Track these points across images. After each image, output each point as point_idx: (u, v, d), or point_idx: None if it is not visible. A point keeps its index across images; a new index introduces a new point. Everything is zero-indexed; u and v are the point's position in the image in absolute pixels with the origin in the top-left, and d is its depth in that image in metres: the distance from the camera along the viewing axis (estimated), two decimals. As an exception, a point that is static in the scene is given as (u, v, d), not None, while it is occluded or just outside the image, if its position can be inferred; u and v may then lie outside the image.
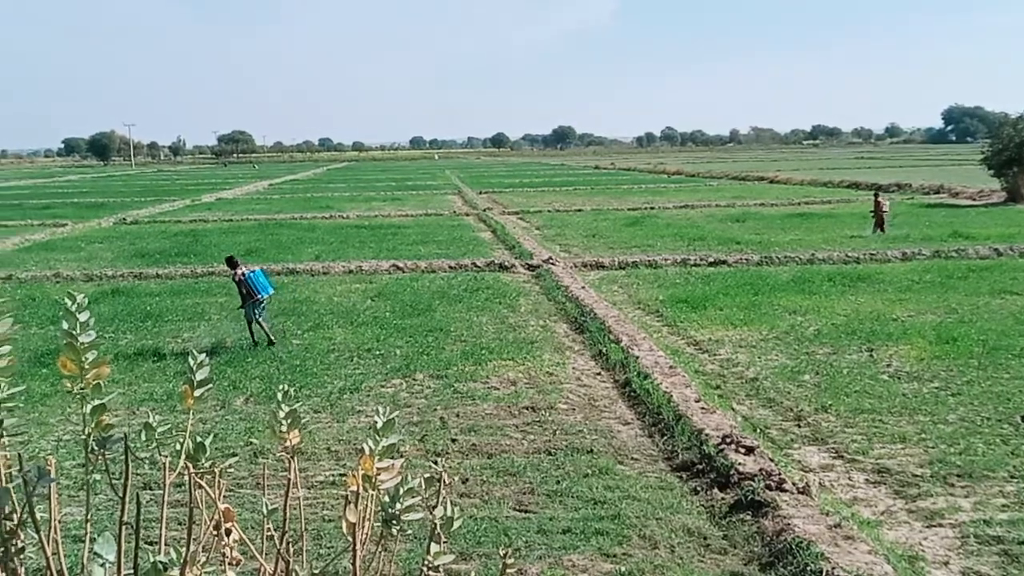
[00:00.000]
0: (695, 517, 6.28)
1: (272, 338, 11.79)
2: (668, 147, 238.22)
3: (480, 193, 44.96)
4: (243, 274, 11.70)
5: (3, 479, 2.19)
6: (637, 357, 10.22)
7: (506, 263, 18.95)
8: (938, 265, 17.51)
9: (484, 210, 32.99)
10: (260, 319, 11.86)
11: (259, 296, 11.64)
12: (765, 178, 53.03)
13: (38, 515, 2.20)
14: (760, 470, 6.65)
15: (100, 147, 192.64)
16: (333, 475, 7.15)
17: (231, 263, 12.19)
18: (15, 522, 2.08)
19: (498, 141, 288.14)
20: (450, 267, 18.71)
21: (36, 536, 2.20)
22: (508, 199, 39.81)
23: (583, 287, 15.40)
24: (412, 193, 47.07)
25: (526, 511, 6.40)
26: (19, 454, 2.19)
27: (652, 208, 32.73)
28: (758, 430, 8.15)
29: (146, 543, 2.34)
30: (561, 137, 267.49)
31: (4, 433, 2.13)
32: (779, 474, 6.65)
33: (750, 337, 11.77)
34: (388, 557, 2.69)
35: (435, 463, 7.23)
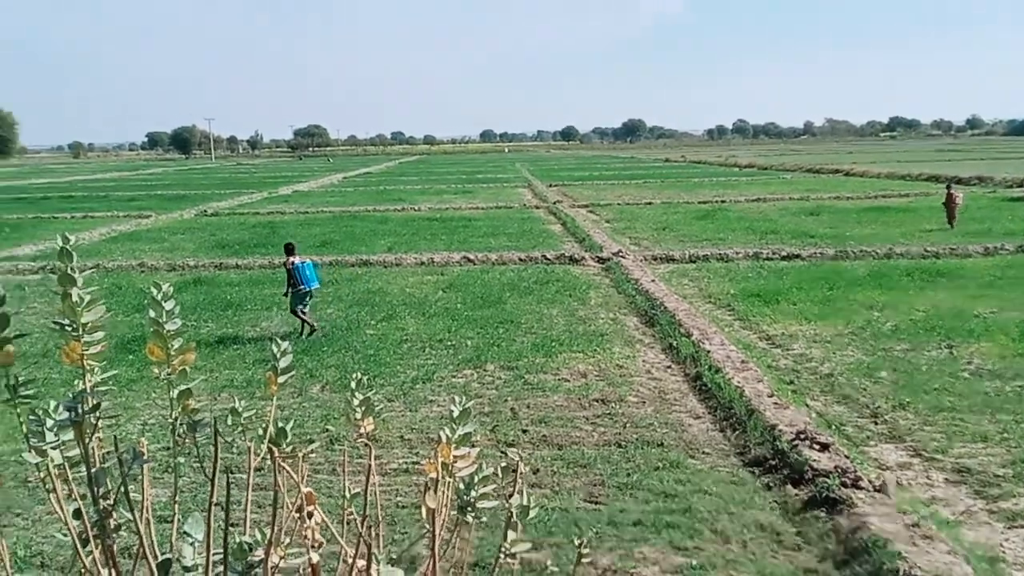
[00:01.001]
0: (768, 513, 6.22)
1: (314, 326, 12.14)
2: (740, 140, 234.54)
3: (550, 186, 44.93)
4: (293, 263, 12.02)
5: (99, 460, 2.29)
6: (708, 351, 10.13)
7: (576, 256, 18.93)
8: (1022, 260, 16.93)
9: (554, 203, 32.97)
10: (306, 309, 12.19)
11: (303, 287, 11.95)
12: (840, 171, 51.87)
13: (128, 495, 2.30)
14: (835, 467, 6.55)
15: (182, 141, 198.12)
16: (406, 463, 7.27)
17: (288, 250, 12.51)
18: (111, 501, 2.18)
19: (568, 134, 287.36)
20: (520, 259, 18.77)
21: (130, 514, 2.31)
22: (578, 192, 39.72)
23: (653, 280, 15.31)
24: (482, 186, 47.28)
25: (596, 503, 6.42)
26: (115, 436, 2.29)
27: (723, 201, 32.30)
28: (833, 427, 8.01)
29: (233, 525, 2.43)
30: (631, 130, 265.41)
31: (100, 416, 2.23)
32: (855, 471, 6.54)
33: (825, 332, 11.56)
34: (462, 544, 2.75)
35: (505, 453, 7.29)
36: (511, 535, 2.39)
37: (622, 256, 18.36)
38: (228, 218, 30.84)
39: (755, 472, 6.98)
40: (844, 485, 6.29)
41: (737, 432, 7.82)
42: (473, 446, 2.57)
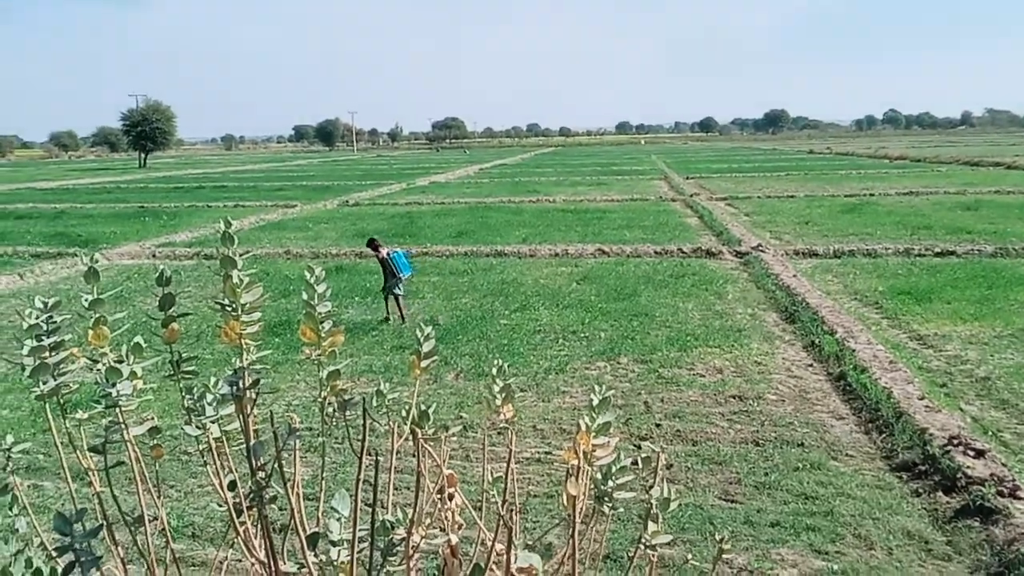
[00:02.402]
0: (916, 520, 5.92)
1: (404, 316, 12.42)
2: (891, 130, 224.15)
3: (687, 178, 44.19)
4: (388, 254, 12.33)
5: (255, 434, 2.38)
6: (853, 350, 9.73)
7: (713, 249, 18.55)
8: None
9: (691, 195, 32.41)
10: (399, 296, 12.52)
11: (401, 275, 12.24)
12: (1002, 164, 48.71)
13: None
14: (991, 475, 6.17)
15: (326, 134, 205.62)
16: (538, 453, 7.30)
17: (373, 245, 12.82)
18: (267, 473, 2.26)
19: (706, 126, 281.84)
20: (655, 252, 18.55)
21: (282, 488, 2.39)
22: (716, 184, 38.89)
23: (795, 275, 14.82)
24: (617, 178, 46.94)
25: (732, 501, 6.27)
26: (270, 412, 2.38)
27: (871, 195, 30.94)
28: (989, 433, 7.55)
29: (368, 505, 2.49)
30: (773, 121, 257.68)
31: (259, 392, 2.32)
32: (1013, 480, 6.14)
33: (982, 333, 10.91)
34: (596, 535, 2.72)
35: (639, 447, 7.22)
36: (652, 526, 2.35)
37: (762, 250, 17.87)
38: (368, 208, 31.72)
39: (902, 477, 6.66)
40: (1001, 494, 5.92)
41: (884, 435, 7.48)
42: (614, 435, 2.54)
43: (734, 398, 8.63)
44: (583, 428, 2.44)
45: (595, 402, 2.50)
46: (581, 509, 2.43)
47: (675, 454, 7.20)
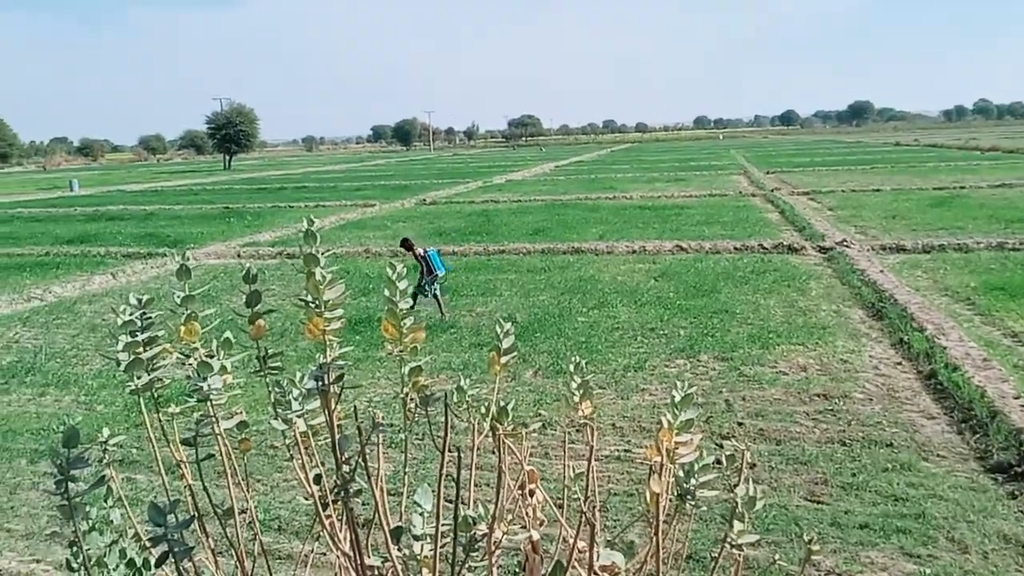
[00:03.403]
0: (1013, 523, 5.69)
1: (444, 313, 12.61)
2: (982, 121, 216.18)
3: (767, 173, 43.35)
4: (424, 252, 12.48)
5: (339, 429, 2.41)
6: (944, 347, 9.42)
7: (795, 245, 18.16)
8: None
9: (771, 190, 31.80)
10: (437, 293, 12.73)
11: (437, 272, 12.38)
12: (1103, 153, 46.61)
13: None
14: (1095, 479, 5.90)
15: (403, 133, 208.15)
16: (618, 450, 7.25)
17: (407, 245, 12.96)
18: (352, 467, 2.29)
19: (787, 119, 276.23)
20: (735, 248, 18.25)
21: (366, 482, 2.42)
22: (797, 179, 38.06)
23: (881, 271, 14.41)
24: (695, 173, 46.35)
25: (818, 502, 6.13)
26: (355, 407, 2.41)
27: (962, 187, 29.88)
28: (1092, 434, 7.22)
29: (448, 501, 2.50)
30: (857, 113, 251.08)
31: (342, 388, 2.34)
32: (1119, 485, 5.86)
33: (1082, 330, 10.43)
34: (678, 534, 2.68)
35: (720, 446, 7.11)
36: (737, 525, 2.30)
37: (846, 245, 17.43)
38: (445, 207, 31.97)
39: (998, 479, 6.41)
40: (1106, 499, 5.66)
41: (977, 435, 7.21)
42: (697, 432, 2.49)
43: (819, 397, 8.43)
44: (665, 425, 2.41)
45: (677, 399, 2.47)
46: (664, 507, 2.40)
47: (758, 453, 7.07)
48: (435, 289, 12.73)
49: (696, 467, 2.48)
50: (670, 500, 2.46)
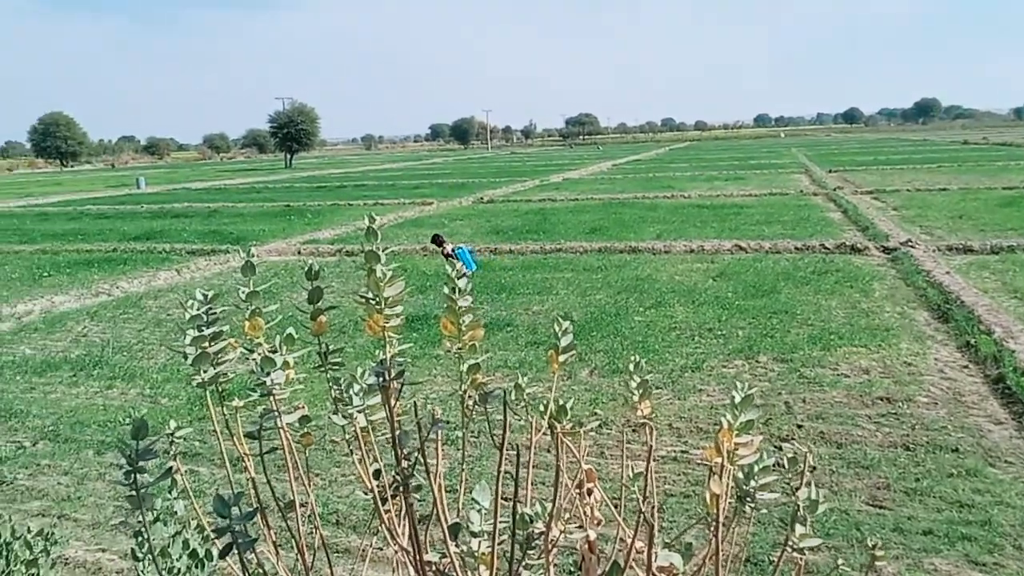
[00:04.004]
0: (1085, 534, 5.52)
1: None
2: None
3: (829, 172, 42.61)
4: (453, 249, 12.46)
5: (399, 424, 2.43)
6: (1013, 351, 9.15)
7: (858, 245, 17.81)
8: None
9: (834, 189, 31.24)
10: None
11: (466, 271, 12.35)
12: None
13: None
14: None
15: (461, 132, 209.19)
16: (675, 451, 7.19)
17: (438, 241, 12.94)
18: (412, 462, 2.31)
19: (850, 116, 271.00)
20: (796, 248, 17.97)
21: (425, 478, 2.43)
22: (861, 178, 37.33)
23: (947, 272, 14.06)
24: (755, 172, 45.74)
25: (880, 507, 6.00)
26: (414, 403, 2.43)
27: (1033, 186, 29.03)
28: None
29: (505, 498, 2.50)
30: (923, 110, 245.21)
31: (402, 384, 2.36)
32: None
33: None
34: (734, 537, 2.65)
35: (780, 448, 7.02)
36: (799, 529, 2.27)
37: (911, 246, 17.05)
38: (502, 205, 32.04)
39: (1069, 488, 6.22)
40: None
41: (1047, 442, 7.00)
42: (758, 433, 2.46)
43: (882, 400, 8.26)
44: (725, 426, 2.38)
45: (737, 399, 2.44)
46: (723, 509, 2.37)
47: (818, 456, 6.95)
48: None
49: (756, 469, 2.45)
50: (729, 502, 2.43)
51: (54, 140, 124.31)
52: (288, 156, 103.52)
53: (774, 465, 2.48)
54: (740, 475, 2.46)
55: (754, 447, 2.40)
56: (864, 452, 6.98)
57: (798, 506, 2.35)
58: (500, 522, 2.40)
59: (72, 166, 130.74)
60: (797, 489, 2.41)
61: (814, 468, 6.66)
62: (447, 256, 12.95)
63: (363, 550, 5.19)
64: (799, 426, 7.66)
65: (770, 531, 5.57)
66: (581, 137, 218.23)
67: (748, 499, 2.48)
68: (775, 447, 7.05)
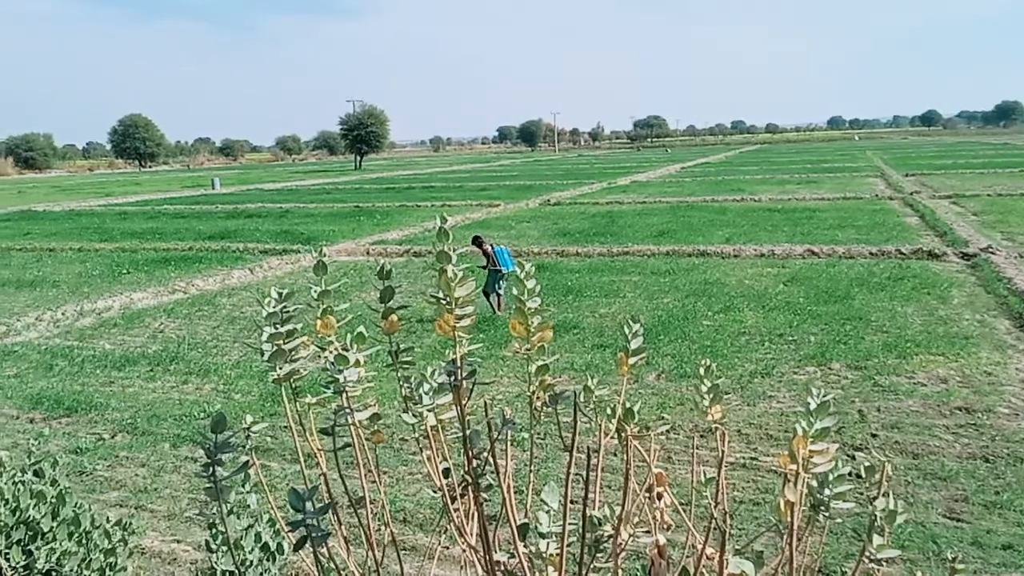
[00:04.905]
0: None
1: (498, 310, 13.04)
2: None
3: (906, 175, 41.54)
4: (491, 247, 12.64)
5: (468, 424, 2.44)
6: (1101, 362, 8.81)
7: (936, 251, 17.32)
8: None
9: (910, 193, 30.45)
10: (500, 290, 13.08)
11: (503, 270, 12.54)
12: None
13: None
14: None
15: (528, 134, 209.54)
16: (744, 457, 7.08)
17: (478, 241, 13.15)
18: (483, 461, 2.31)
19: (928, 119, 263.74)
20: (871, 253, 17.56)
21: (490, 478, 2.44)
22: (939, 182, 36.31)
23: (1031, 279, 13.59)
24: (828, 176, 44.83)
25: (958, 519, 5.82)
26: (485, 402, 2.43)
27: (1123, 191, 27.88)
28: None
29: (573, 500, 2.49)
30: (1004, 113, 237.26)
31: (474, 382, 2.37)
32: None
33: None
34: (807, 546, 2.60)
35: (853, 457, 6.86)
36: (876, 539, 2.21)
37: (992, 252, 16.52)
38: (569, 207, 31.98)
39: None
40: None
41: None
42: (831, 443, 2.41)
43: (960, 410, 8.02)
44: (800, 433, 2.34)
45: (812, 406, 2.39)
46: (798, 517, 2.33)
47: (893, 467, 6.78)
48: (501, 286, 12.95)
49: (831, 478, 2.40)
50: (803, 510, 2.38)
51: (133, 141, 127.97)
52: (358, 158, 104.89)
53: (849, 474, 2.43)
54: (814, 483, 2.42)
55: (829, 455, 2.36)
56: (941, 463, 6.78)
57: (875, 516, 2.29)
58: (568, 524, 2.39)
59: (150, 167, 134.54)
60: (873, 499, 2.36)
61: (888, 479, 6.50)
62: (487, 254, 13.14)
63: (431, 548, 5.22)
64: (873, 435, 7.47)
65: (843, 542, 5.45)
66: (649, 140, 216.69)
67: (822, 508, 2.43)
68: (848, 456, 6.89)
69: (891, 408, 8.15)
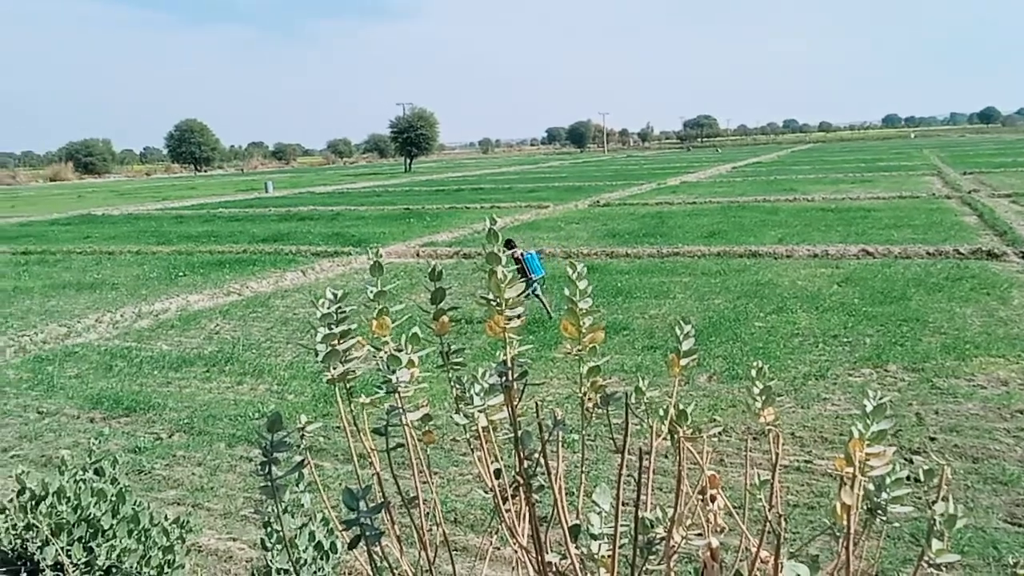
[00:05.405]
0: None
1: (551, 312, 12.93)
2: None
3: (964, 174, 40.62)
4: (522, 254, 12.59)
5: (519, 425, 2.45)
6: None
7: (996, 250, 16.91)
8: None
9: (968, 192, 29.78)
10: (539, 294, 13.00)
11: (532, 276, 12.49)
12: None
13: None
14: None
15: (577, 135, 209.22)
16: (798, 460, 6.99)
17: (510, 246, 13.13)
18: (534, 462, 2.32)
19: (987, 116, 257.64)
20: (927, 253, 17.21)
21: (546, 478, 2.44)
22: (998, 180, 35.45)
23: (1096, 279, 13.21)
24: (883, 174, 44.03)
25: (1019, 525, 5.68)
26: (536, 403, 2.44)
27: None
28: None
29: (623, 503, 2.48)
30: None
31: (525, 383, 2.38)
32: None
33: None
34: (863, 551, 2.56)
35: (910, 460, 6.73)
36: (936, 544, 2.17)
37: (1054, 251, 16.09)
38: (619, 208, 31.85)
39: None
40: None
41: None
42: (890, 444, 2.37)
43: (1022, 413, 7.82)
44: (856, 435, 2.30)
45: (869, 408, 2.35)
46: (854, 521, 2.29)
47: (953, 471, 6.63)
48: (537, 290, 12.94)
49: (888, 481, 2.36)
50: (859, 514, 2.35)
51: (189, 146, 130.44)
52: (408, 160, 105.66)
53: (906, 478, 2.39)
54: (871, 487, 2.38)
55: (887, 458, 2.32)
56: (1002, 467, 6.62)
57: (934, 520, 2.25)
58: (620, 525, 2.39)
59: (205, 171, 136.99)
60: (932, 503, 2.32)
61: (949, 482, 6.37)
62: (517, 261, 13.14)
63: (482, 549, 5.24)
64: (931, 438, 7.32)
65: (900, 547, 5.35)
66: (699, 139, 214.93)
67: (879, 512, 2.39)
68: (906, 460, 6.76)
69: (950, 411, 7.98)
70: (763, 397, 2.73)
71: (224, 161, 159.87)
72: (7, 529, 4.29)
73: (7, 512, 4.45)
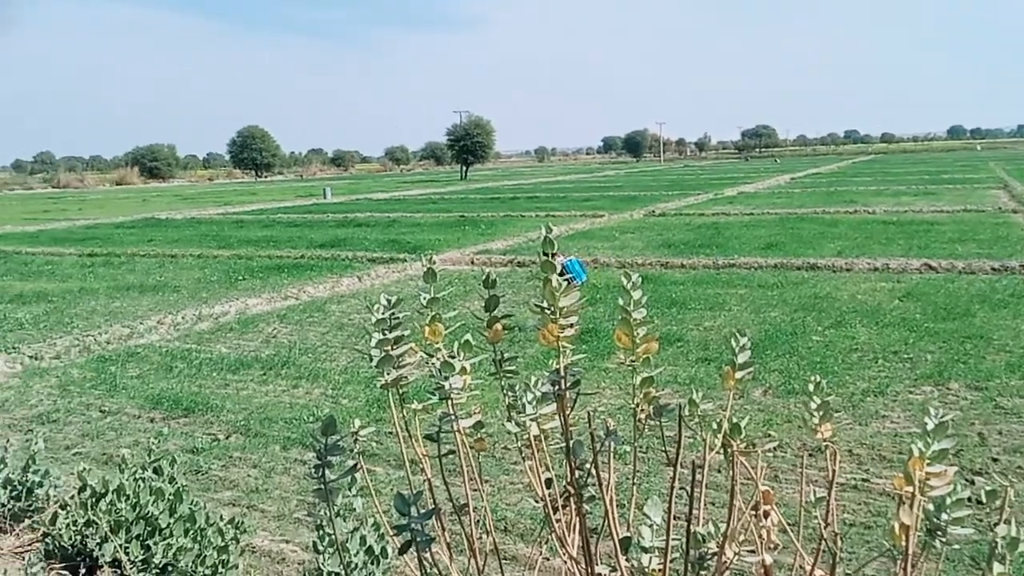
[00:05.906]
0: None
1: None
2: None
3: (1032, 187, 39.55)
4: (563, 261, 12.37)
5: (572, 434, 2.44)
6: None
7: (1065, 267, 16.42)
8: None
9: (1037, 206, 28.97)
10: None
11: (575, 281, 12.22)
12: None
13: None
14: None
15: (633, 144, 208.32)
16: (854, 479, 6.85)
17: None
18: (586, 472, 2.31)
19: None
20: (992, 268, 16.77)
21: (593, 489, 2.43)
22: (1069, 193, 34.43)
23: None
24: (948, 187, 43.05)
25: (1088, 553, 5.49)
26: (588, 413, 2.43)
27: None
28: None
29: (675, 516, 2.46)
30: None
31: (577, 393, 2.37)
32: None
33: None
34: (922, 573, 2.50)
35: (972, 481, 6.55)
36: (998, 567, 2.11)
37: None
38: (674, 218, 31.63)
39: None
40: None
41: None
42: (949, 465, 2.32)
43: (1090, 435, 7.57)
44: (916, 453, 2.26)
45: (930, 426, 2.30)
46: (913, 542, 2.24)
47: (1016, 492, 6.44)
48: None
49: (949, 501, 2.31)
50: (918, 535, 2.30)
51: (250, 152, 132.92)
52: (464, 168, 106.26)
53: (968, 499, 2.33)
54: (931, 507, 2.33)
55: (948, 478, 2.27)
56: (1069, 491, 6.42)
57: (996, 543, 2.19)
58: (671, 539, 2.36)
59: (266, 177, 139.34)
60: (994, 525, 2.26)
61: (1012, 505, 6.19)
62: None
63: (531, 558, 5.22)
64: (994, 459, 7.12)
65: (960, 570, 5.21)
66: (758, 150, 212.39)
67: (939, 533, 2.34)
68: (967, 480, 6.59)
69: (1014, 431, 7.75)
70: (820, 412, 2.70)
71: (284, 167, 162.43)
72: (68, 525, 4.40)
73: (68, 508, 4.56)
